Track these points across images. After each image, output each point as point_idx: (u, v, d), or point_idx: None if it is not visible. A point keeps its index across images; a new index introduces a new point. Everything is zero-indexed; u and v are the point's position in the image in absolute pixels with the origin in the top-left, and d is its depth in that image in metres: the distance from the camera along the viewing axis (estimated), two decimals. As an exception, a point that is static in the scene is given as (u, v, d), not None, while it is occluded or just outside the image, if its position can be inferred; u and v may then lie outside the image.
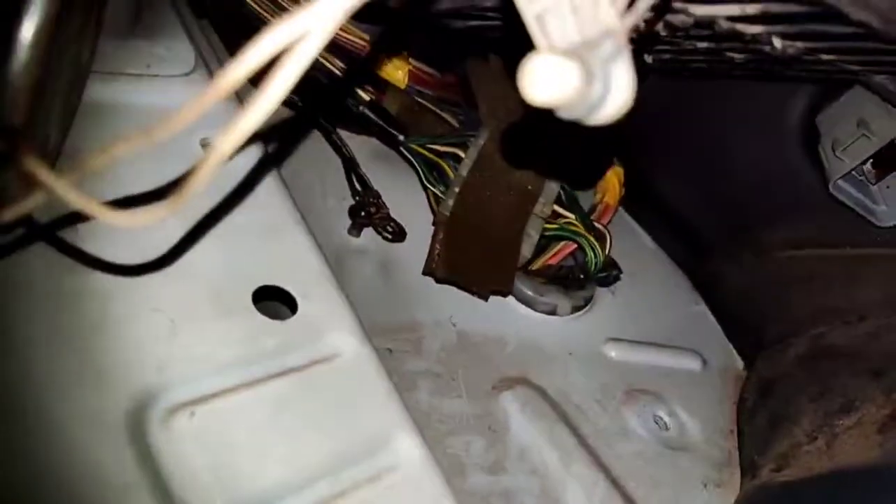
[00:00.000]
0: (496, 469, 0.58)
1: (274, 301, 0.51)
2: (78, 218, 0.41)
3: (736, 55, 0.54)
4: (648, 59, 0.59)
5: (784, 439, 0.61)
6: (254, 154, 0.59)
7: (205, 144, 0.57)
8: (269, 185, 0.57)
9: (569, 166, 0.73)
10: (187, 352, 0.42)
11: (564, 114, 0.29)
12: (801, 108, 0.73)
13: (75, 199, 0.23)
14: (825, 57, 0.50)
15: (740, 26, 0.42)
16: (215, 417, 0.41)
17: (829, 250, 0.73)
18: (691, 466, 0.67)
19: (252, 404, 0.42)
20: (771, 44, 0.45)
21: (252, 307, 0.48)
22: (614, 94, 0.29)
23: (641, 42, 0.53)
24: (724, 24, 0.41)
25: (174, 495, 0.36)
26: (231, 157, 0.25)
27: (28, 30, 0.24)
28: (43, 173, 0.23)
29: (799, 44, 0.45)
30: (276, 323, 0.48)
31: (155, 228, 0.44)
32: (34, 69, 0.24)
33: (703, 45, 0.50)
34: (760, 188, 0.78)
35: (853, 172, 0.68)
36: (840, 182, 0.66)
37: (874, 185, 0.68)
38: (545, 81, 0.27)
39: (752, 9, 0.37)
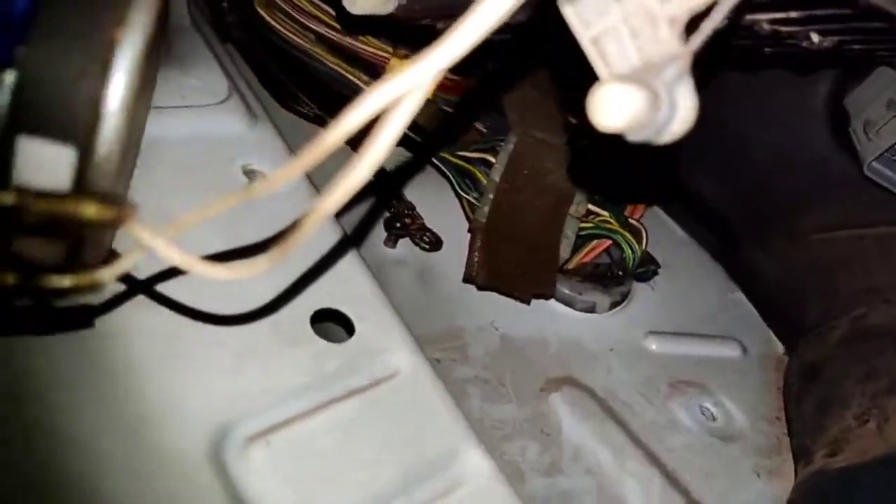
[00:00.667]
0: (553, 471, 0.59)
1: (331, 323, 0.52)
2: (175, 272, 0.42)
3: (767, 49, 0.54)
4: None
5: (834, 423, 0.61)
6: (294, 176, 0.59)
7: (248, 171, 0.58)
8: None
9: (623, 182, 0.74)
10: (255, 383, 0.43)
11: (632, 137, 0.30)
12: (825, 92, 0.73)
13: (177, 257, 0.24)
14: (857, 47, 0.50)
15: (782, 28, 0.42)
16: (289, 444, 0.42)
17: (864, 230, 0.74)
18: (742, 455, 0.68)
19: (322, 428, 0.44)
20: (809, 38, 0.45)
21: (311, 332, 0.49)
22: (680, 114, 0.30)
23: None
24: (766, 27, 0.41)
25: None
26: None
27: (115, 100, 0.25)
28: (146, 235, 0.24)
29: (835, 38, 0.46)
30: (336, 346, 0.49)
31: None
32: (123, 136, 0.25)
33: (738, 43, 0.50)
34: (789, 174, 0.78)
35: (886, 154, 0.68)
36: (874, 164, 0.66)
37: (908, 163, 0.68)
38: (614, 109, 0.28)
39: (796, 13, 0.38)
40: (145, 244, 0.24)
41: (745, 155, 0.82)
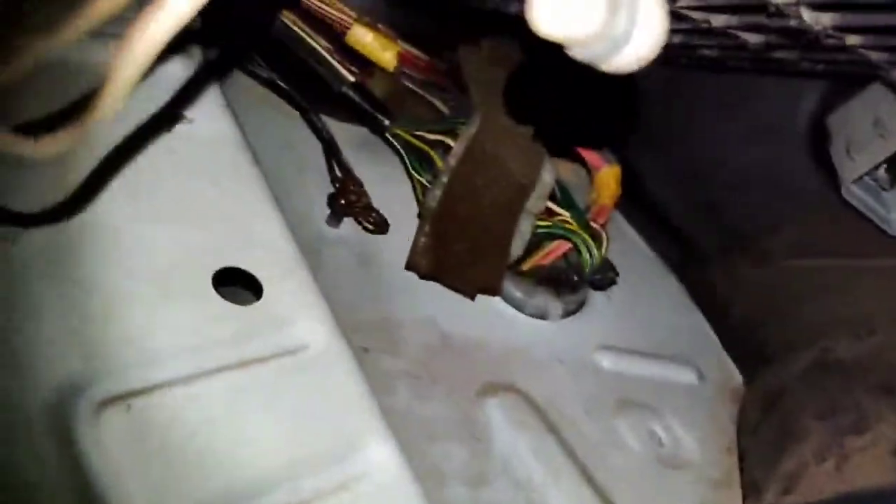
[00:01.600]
0: (478, 481, 0.53)
1: (239, 288, 0.46)
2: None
3: (753, 37, 0.49)
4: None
5: (790, 459, 0.56)
6: (224, 128, 0.54)
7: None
8: (239, 162, 0.52)
9: (574, 124, 0.68)
10: (124, 336, 0.36)
11: (579, 52, 0.24)
12: (811, 110, 0.69)
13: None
14: (850, 41, 0.46)
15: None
16: (156, 412, 0.35)
17: (836, 260, 0.69)
18: (688, 485, 0.62)
19: (202, 398, 0.37)
20: (799, 17, 0.40)
21: (211, 290, 0.42)
22: (640, 32, 0.24)
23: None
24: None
25: (98, 501, 0.30)
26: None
27: None
28: None
29: (827, 18, 0.41)
30: (237, 308, 0.42)
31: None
32: None
33: (720, 19, 0.45)
34: (764, 194, 0.74)
35: (865, 178, 0.64)
36: (853, 187, 0.62)
37: (888, 190, 0.64)
38: (560, 7, 0.22)
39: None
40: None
41: (717, 171, 0.78)
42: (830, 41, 0.46)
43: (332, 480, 0.38)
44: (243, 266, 0.45)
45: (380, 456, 0.40)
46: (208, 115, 0.54)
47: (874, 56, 0.51)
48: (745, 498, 0.59)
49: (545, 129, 0.66)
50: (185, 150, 0.50)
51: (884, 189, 0.64)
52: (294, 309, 0.44)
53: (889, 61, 0.52)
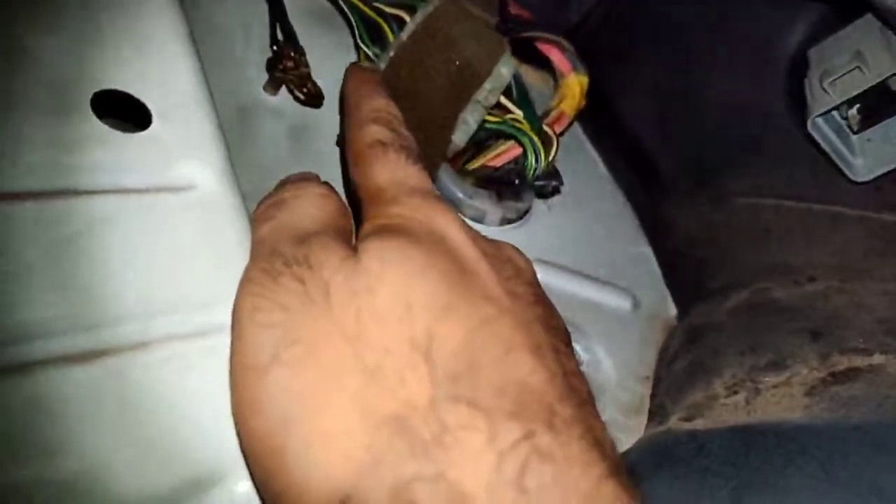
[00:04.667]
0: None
1: (125, 120, 0.42)
2: None
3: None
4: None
5: (701, 390, 0.55)
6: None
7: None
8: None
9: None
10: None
11: None
12: (798, 37, 0.65)
13: None
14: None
15: None
16: (11, 225, 0.32)
17: (793, 202, 0.66)
18: (598, 407, 0.60)
19: (65, 216, 0.33)
20: None
21: (88, 110, 0.38)
22: None
23: None
24: None
25: None
26: None
27: None
28: None
29: None
30: (118, 133, 0.38)
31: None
32: None
33: None
34: (733, 125, 0.70)
35: (836, 115, 0.61)
36: (820, 120, 0.59)
37: (856, 133, 0.61)
38: None
39: None
40: None
41: (691, 99, 0.73)
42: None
43: (191, 325, 0.34)
44: (133, 92, 0.40)
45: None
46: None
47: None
48: (648, 421, 0.58)
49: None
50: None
51: (853, 131, 0.61)
52: (184, 145, 0.40)
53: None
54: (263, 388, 0.29)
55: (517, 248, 0.40)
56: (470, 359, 0.29)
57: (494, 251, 0.37)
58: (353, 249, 0.34)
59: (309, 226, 0.36)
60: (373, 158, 0.40)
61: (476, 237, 0.36)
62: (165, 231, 0.37)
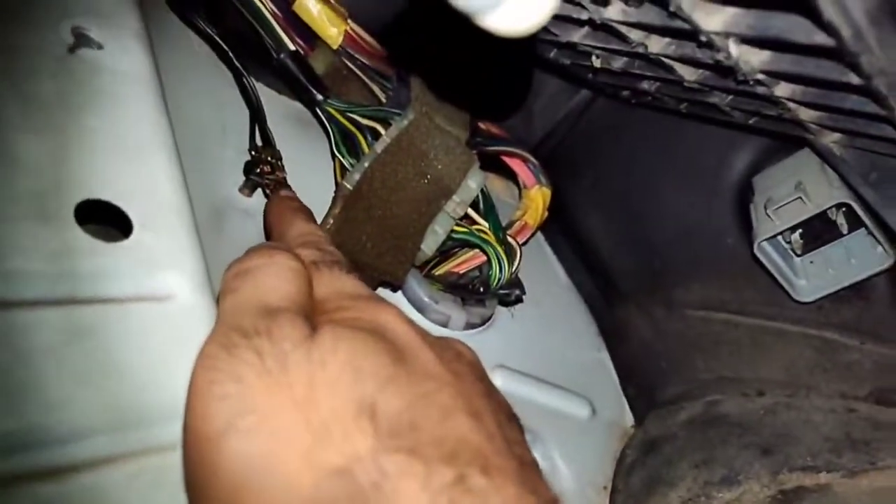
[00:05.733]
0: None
1: (107, 225, 0.43)
2: None
3: (688, 72, 0.49)
4: (596, 61, 0.54)
5: (657, 503, 0.55)
6: (136, 64, 0.51)
7: (78, 34, 0.49)
8: (144, 100, 0.49)
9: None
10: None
11: (459, 1, 0.23)
12: (743, 166, 0.70)
13: None
14: (779, 91, 0.46)
15: (698, 16, 0.37)
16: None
17: (741, 318, 0.70)
18: (555, 517, 0.60)
19: (42, 326, 0.34)
20: (727, 51, 0.40)
21: (72, 220, 0.39)
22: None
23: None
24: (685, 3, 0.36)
25: None
26: None
27: None
28: None
29: (756, 58, 0.41)
30: (100, 243, 0.39)
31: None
32: None
33: (655, 44, 0.45)
34: (684, 242, 0.74)
35: (780, 239, 0.65)
36: (765, 244, 0.63)
37: (799, 256, 0.65)
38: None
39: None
40: None
41: (648, 213, 0.78)
42: (761, 89, 0.46)
43: (168, 436, 0.34)
44: (115, 201, 0.41)
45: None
46: (122, 47, 0.51)
47: (804, 115, 0.52)
48: (606, 537, 0.58)
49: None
50: (84, 74, 0.46)
51: (796, 254, 0.65)
52: (165, 256, 0.41)
53: (818, 123, 0.52)
54: (219, 455, 0.30)
55: (461, 341, 0.42)
56: (412, 420, 0.31)
57: (436, 340, 0.39)
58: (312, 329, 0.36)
59: (274, 300, 0.37)
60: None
61: (419, 328, 0.39)
62: (143, 342, 0.37)
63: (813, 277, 0.64)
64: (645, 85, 0.58)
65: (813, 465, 0.53)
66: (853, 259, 0.61)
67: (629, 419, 0.75)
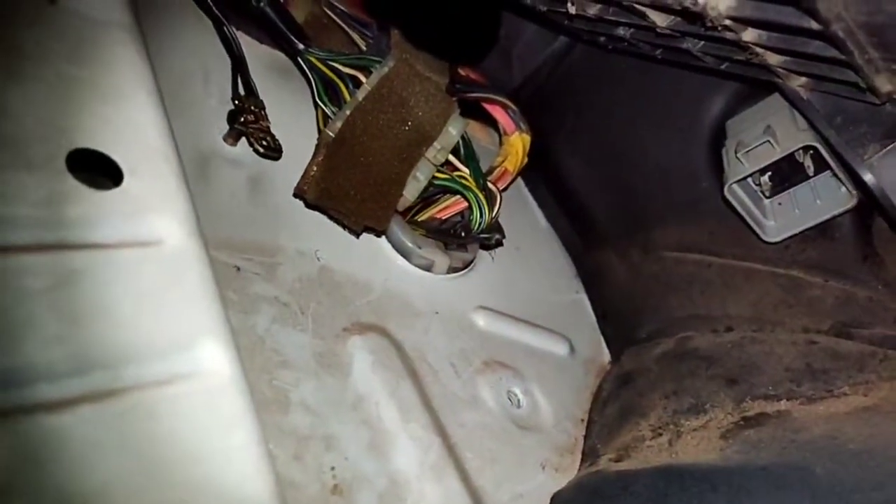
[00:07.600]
0: (324, 412, 0.53)
1: (96, 173, 0.44)
2: None
3: (660, 18, 0.50)
4: (571, 7, 0.55)
5: (629, 431, 0.59)
6: (117, 9, 0.51)
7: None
8: (126, 49, 0.50)
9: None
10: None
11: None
12: (717, 110, 0.71)
13: None
14: (747, 36, 0.47)
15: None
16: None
17: (713, 258, 0.72)
18: (534, 447, 0.64)
19: (33, 269, 0.35)
20: (694, -2, 0.41)
21: (63, 168, 0.40)
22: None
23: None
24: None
25: None
26: None
27: None
28: None
29: (721, 5, 0.42)
30: (90, 190, 0.41)
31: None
32: None
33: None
34: (661, 184, 0.76)
35: (750, 181, 0.67)
36: (735, 186, 0.65)
37: (767, 198, 0.68)
38: None
39: None
40: None
41: (626, 157, 0.79)
42: (729, 34, 0.48)
43: (154, 374, 0.37)
44: (104, 150, 0.43)
45: (212, 359, 0.39)
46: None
47: (772, 59, 0.53)
48: (581, 462, 0.62)
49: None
50: (66, 24, 0.47)
51: (765, 196, 0.67)
52: (153, 201, 0.43)
53: (786, 67, 0.54)
54: None
55: None
56: None
57: None
58: None
59: None
60: None
61: None
62: (132, 284, 0.39)
63: (780, 218, 0.67)
64: (620, 31, 0.59)
65: (774, 393, 0.56)
66: (819, 200, 0.63)
67: (606, 356, 0.78)
